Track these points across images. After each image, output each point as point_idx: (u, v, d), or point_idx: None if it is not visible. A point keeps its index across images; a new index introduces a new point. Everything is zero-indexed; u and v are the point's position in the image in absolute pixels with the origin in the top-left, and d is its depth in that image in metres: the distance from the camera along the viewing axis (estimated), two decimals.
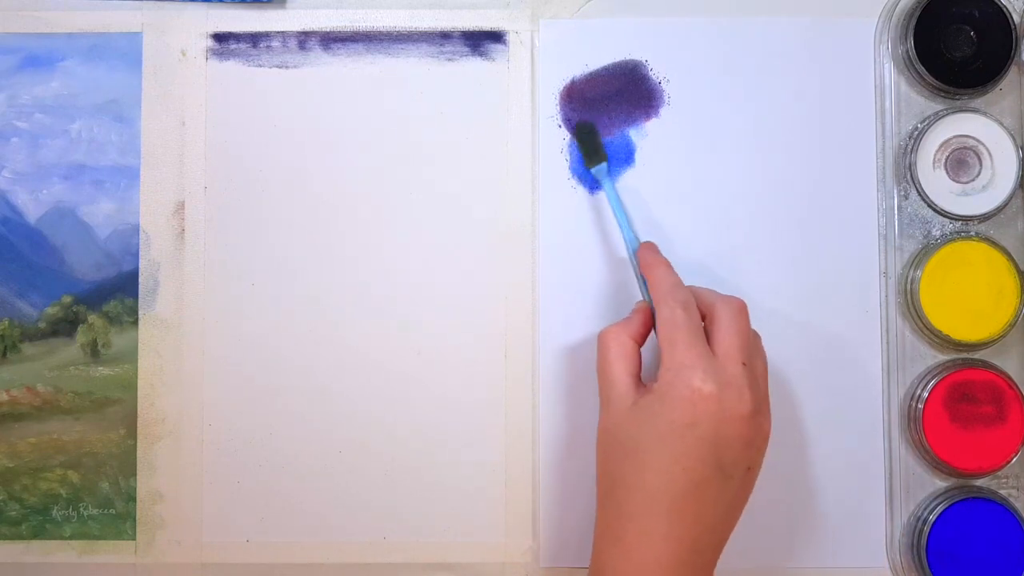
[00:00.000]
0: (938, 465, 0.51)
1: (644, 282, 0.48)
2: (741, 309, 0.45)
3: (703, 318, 0.45)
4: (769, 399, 0.45)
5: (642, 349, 0.46)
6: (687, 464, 0.42)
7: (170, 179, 0.53)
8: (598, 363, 0.46)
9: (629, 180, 0.52)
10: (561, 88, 0.53)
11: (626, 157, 0.52)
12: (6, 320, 0.52)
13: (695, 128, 0.52)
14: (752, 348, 0.45)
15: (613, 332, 0.46)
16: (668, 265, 0.47)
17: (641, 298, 0.49)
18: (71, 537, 0.52)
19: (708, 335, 0.44)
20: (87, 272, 0.53)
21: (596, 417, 0.52)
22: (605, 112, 0.53)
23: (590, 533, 0.51)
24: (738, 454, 0.43)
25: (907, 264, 0.52)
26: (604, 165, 0.51)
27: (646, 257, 0.48)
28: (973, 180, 0.51)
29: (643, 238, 0.50)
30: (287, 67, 0.53)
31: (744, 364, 0.43)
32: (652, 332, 0.47)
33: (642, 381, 0.45)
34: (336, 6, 0.53)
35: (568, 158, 0.52)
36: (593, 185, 0.52)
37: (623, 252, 0.52)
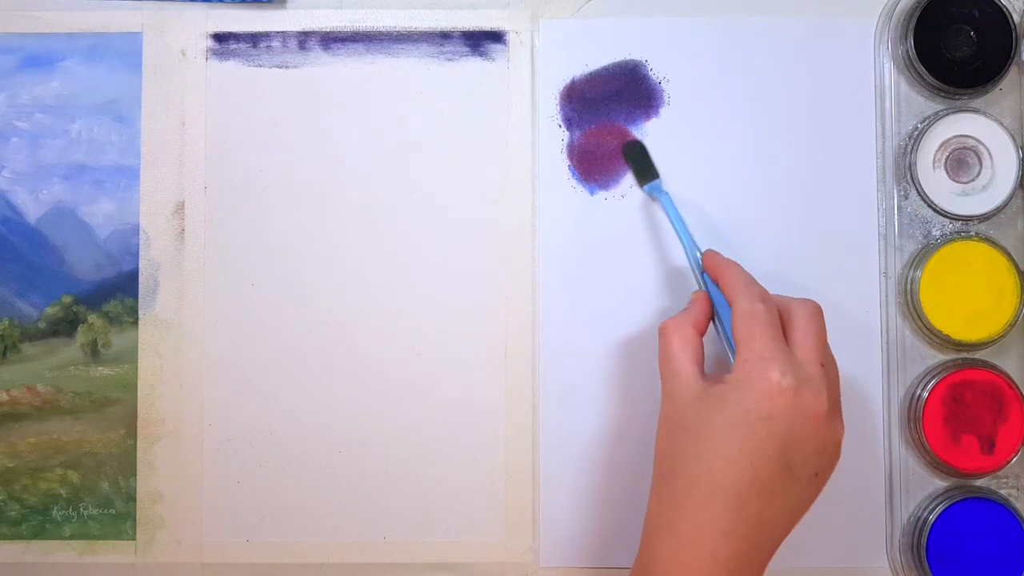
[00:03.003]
0: (938, 465, 0.51)
1: (709, 284, 0.48)
2: (818, 311, 0.45)
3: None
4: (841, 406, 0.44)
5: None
6: (756, 458, 0.41)
7: (170, 179, 0.53)
8: (660, 355, 0.45)
9: (629, 179, 0.52)
10: (561, 88, 0.53)
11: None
12: (6, 320, 0.52)
13: (695, 128, 0.52)
14: (828, 352, 0.44)
15: (675, 323, 0.45)
16: (739, 266, 0.47)
17: (697, 288, 0.49)
18: (71, 537, 0.52)
19: (785, 335, 0.44)
20: (87, 272, 0.53)
21: (596, 416, 0.52)
22: (605, 112, 0.53)
23: (590, 533, 0.51)
24: (808, 456, 0.42)
25: (907, 264, 0.52)
26: (658, 182, 0.51)
27: (716, 259, 0.48)
28: (973, 180, 0.51)
29: (646, 235, 0.50)
30: (287, 67, 0.53)
31: (823, 365, 0.43)
32: (712, 325, 0.47)
33: (705, 373, 0.44)
34: (336, 6, 0.53)
35: (569, 160, 0.52)
36: (593, 187, 0.52)
37: (623, 250, 0.52)
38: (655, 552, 0.42)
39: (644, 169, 0.52)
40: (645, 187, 0.52)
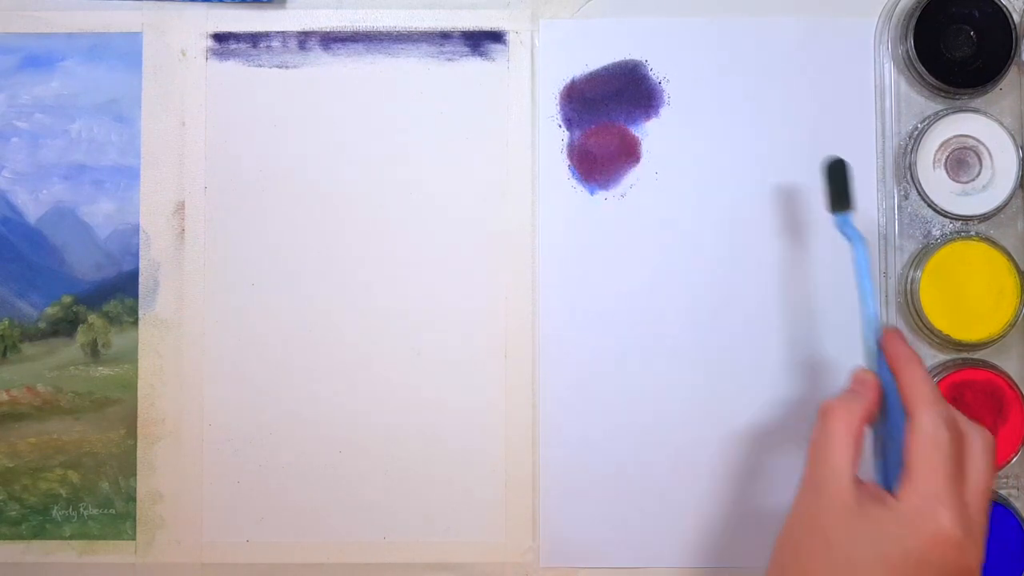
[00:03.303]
0: None
1: (882, 366, 0.42)
2: (993, 444, 0.40)
3: None
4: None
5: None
6: None
7: (170, 179, 0.53)
8: (816, 438, 0.41)
9: (629, 179, 0.52)
10: (561, 88, 0.53)
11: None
12: (6, 320, 0.52)
13: (695, 128, 0.52)
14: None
15: (844, 409, 0.40)
16: (922, 363, 0.42)
17: (864, 366, 0.43)
18: (71, 537, 0.52)
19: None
20: (87, 272, 0.53)
21: (596, 417, 0.52)
22: (605, 112, 0.53)
23: (590, 533, 0.51)
24: None
25: (907, 264, 0.52)
26: (850, 215, 0.45)
27: (899, 347, 0.42)
28: (973, 180, 0.51)
29: (646, 237, 0.50)
30: (287, 67, 0.53)
31: (985, 511, 0.39)
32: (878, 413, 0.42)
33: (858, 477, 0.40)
34: (336, 6, 0.53)
35: (569, 160, 0.52)
36: (593, 187, 0.52)
37: (623, 250, 0.52)
38: None
39: (840, 193, 0.45)
40: (835, 216, 0.45)
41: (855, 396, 0.41)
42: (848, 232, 0.44)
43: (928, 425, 0.39)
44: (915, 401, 0.40)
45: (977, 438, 0.40)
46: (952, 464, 0.39)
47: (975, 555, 0.38)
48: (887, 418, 0.41)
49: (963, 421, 0.40)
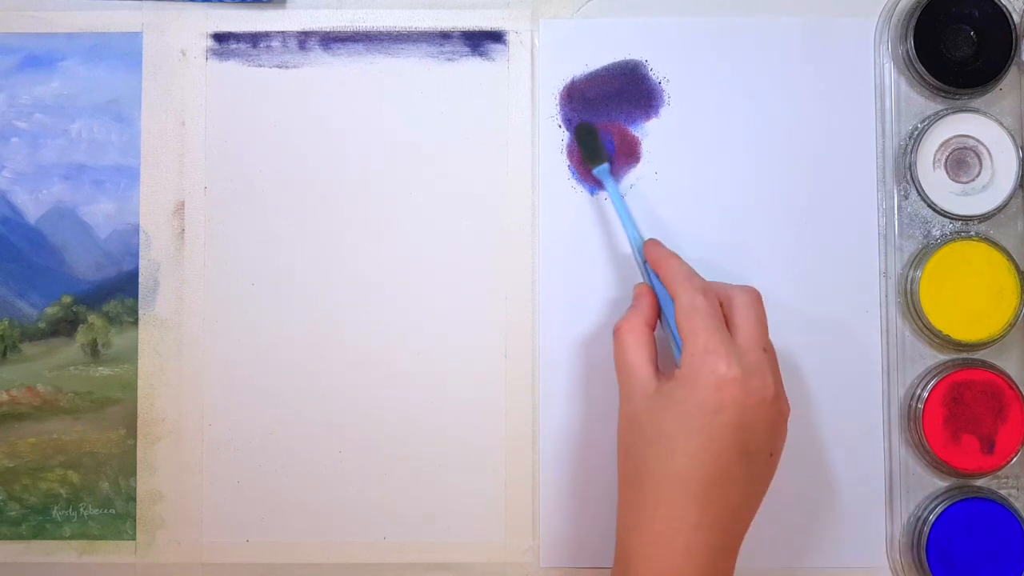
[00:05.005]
0: (938, 465, 0.51)
1: (652, 276, 0.48)
2: (758, 298, 0.46)
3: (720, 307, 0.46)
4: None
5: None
6: (714, 450, 0.42)
7: (170, 179, 0.53)
8: (616, 355, 0.46)
9: (629, 179, 0.52)
10: (561, 88, 0.53)
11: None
12: (6, 320, 0.52)
13: (695, 128, 0.52)
14: (767, 336, 0.45)
15: (628, 323, 0.46)
16: (679, 257, 0.48)
17: (641, 280, 0.49)
18: (71, 537, 0.52)
19: (727, 322, 0.45)
20: (87, 272, 0.53)
21: (596, 417, 0.52)
22: (605, 112, 0.53)
23: (590, 533, 0.51)
24: (762, 439, 0.43)
25: (907, 264, 0.52)
26: (606, 166, 0.51)
27: (656, 251, 0.48)
28: (973, 180, 0.51)
29: (647, 236, 0.50)
30: (287, 67, 0.53)
31: (765, 350, 0.44)
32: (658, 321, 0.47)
33: (659, 368, 0.45)
34: (336, 6, 0.53)
35: (569, 160, 0.52)
36: (593, 186, 0.52)
37: (624, 250, 0.52)
38: (630, 554, 0.43)
39: (593, 152, 0.52)
40: (593, 169, 0.51)
41: (635, 308, 0.47)
42: (602, 178, 0.51)
43: (685, 297, 0.45)
44: (673, 286, 0.46)
45: (740, 295, 0.45)
46: (714, 321, 0.44)
47: (763, 389, 0.43)
48: (666, 315, 0.47)
49: (724, 286, 0.46)
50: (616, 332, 0.46)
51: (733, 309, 0.45)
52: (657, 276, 0.48)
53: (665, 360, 0.46)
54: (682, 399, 0.43)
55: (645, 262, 0.49)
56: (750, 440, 0.43)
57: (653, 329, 0.46)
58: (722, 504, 0.42)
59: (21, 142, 0.53)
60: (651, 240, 0.49)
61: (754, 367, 0.43)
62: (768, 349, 0.45)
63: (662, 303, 0.47)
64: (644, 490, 0.43)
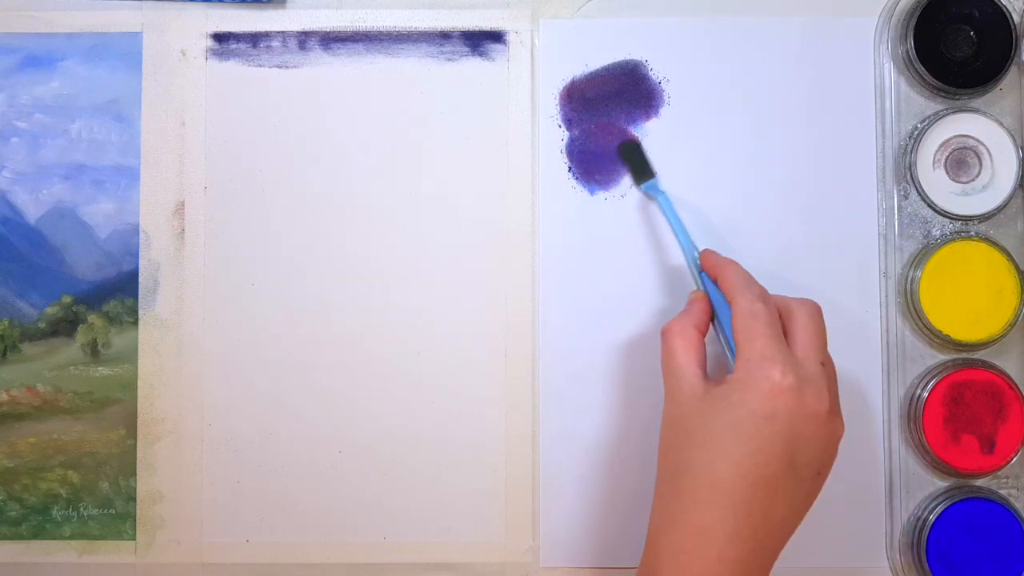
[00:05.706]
0: (938, 465, 0.51)
1: (707, 282, 0.48)
2: (818, 311, 0.45)
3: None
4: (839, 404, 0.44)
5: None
6: (760, 458, 0.41)
7: (170, 179, 0.53)
8: (663, 357, 0.45)
9: (630, 179, 0.52)
10: (561, 88, 0.53)
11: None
12: (6, 320, 0.52)
13: (695, 128, 0.52)
14: (827, 351, 0.45)
15: (677, 325, 0.45)
16: (737, 264, 0.47)
17: (695, 288, 0.49)
18: (71, 537, 0.52)
19: (785, 334, 0.44)
20: (87, 272, 0.53)
21: (596, 416, 0.52)
22: (605, 112, 0.53)
23: (590, 533, 0.51)
24: (811, 454, 0.42)
25: (907, 264, 0.52)
26: (654, 181, 0.51)
27: (713, 258, 0.48)
28: (973, 180, 0.51)
29: (646, 235, 0.50)
30: (287, 67, 0.53)
31: (823, 364, 0.43)
32: (711, 325, 0.47)
33: (707, 374, 0.45)
34: (336, 6, 0.53)
35: (569, 160, 0.52)
36: (593, 187, 0.52)
37: (624, 250, 0.52)
38: (660, 554, 0.42)
39: (640, 168, 0.52)
40: (642, 186, 0.51)
41: (687, 312, 0.46)
42: (653, 193, 0.51)
43: (743, 303, 0.44)
44: (731, 292, 0.45)
45: (800, 307, 0.45)
46: (772, 329, 0.43)
47: (817, 403, 0.42)
48: (722, 321, 0.46)
49: (784, 298, 0.45)
50: (664, 334, 0.45)
51: (792, 320, 0.44)
52: (714, 283, 0.47)
53: (713, 369, 0.46)
54: (734, 404, 0.42)
55: (700, 271, 0.48)
56: (798, 453, 0.41)
57: (703, 334, 0.45)
58: (760, 517, 0.41)
59: (21, 142, 0.53)
60: (708, 250, 0.49)
61: (810, 379, 0.42)
62: (827, 364, 0.44)
63: (717, 310, 0.46)
64: (681, 491, 0.42)
